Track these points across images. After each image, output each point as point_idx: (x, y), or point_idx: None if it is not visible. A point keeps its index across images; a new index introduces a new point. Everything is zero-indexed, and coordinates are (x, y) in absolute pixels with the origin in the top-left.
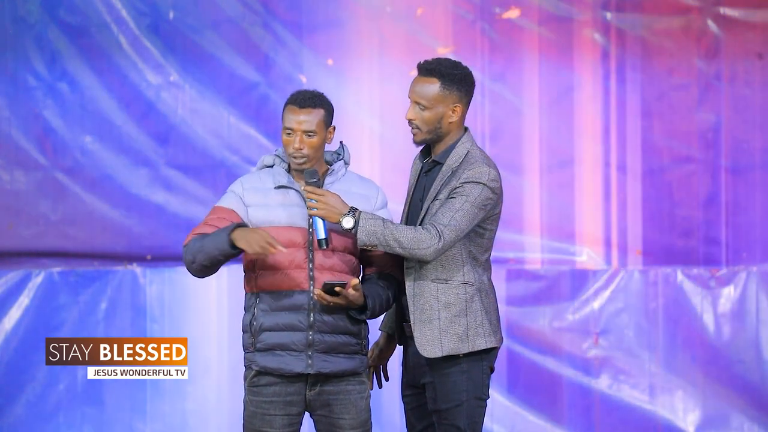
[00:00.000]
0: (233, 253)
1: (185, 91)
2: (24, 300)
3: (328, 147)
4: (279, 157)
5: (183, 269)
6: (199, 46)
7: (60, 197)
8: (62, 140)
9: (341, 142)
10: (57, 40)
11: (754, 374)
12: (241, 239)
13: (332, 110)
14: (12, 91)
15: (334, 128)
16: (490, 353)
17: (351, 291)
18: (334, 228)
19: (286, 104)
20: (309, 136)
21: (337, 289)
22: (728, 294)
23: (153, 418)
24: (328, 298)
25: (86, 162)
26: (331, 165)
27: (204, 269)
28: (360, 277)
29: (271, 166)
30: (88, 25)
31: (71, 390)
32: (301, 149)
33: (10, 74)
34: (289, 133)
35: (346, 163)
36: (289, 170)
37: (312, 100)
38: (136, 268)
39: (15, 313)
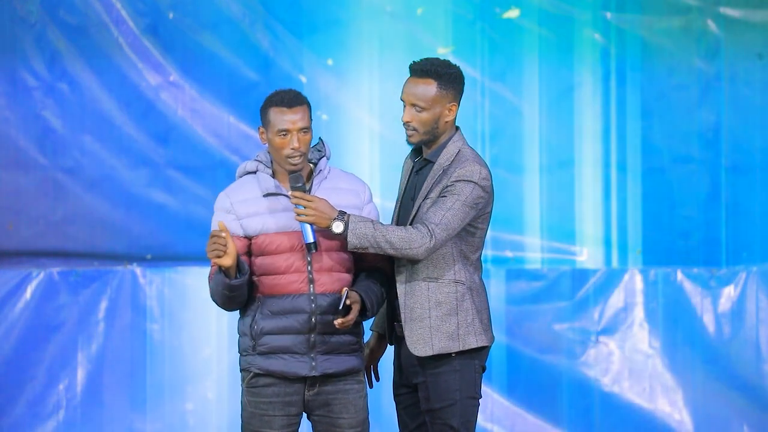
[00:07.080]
0: (233, 282)
1: (185, 91)
2: (24, 300)
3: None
4: (261, 162)
5: (183, 269)
6: (198, 46)
7: (60, 197)
8: (62, 140)
9: (320, 138)
10: (57, 41)
11: (753, 374)
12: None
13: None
14: (12, 91)
15: None
16: (481, 352)
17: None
18: (323, 232)
19: (268, 107)
20: (304, 133)
21: (347, 302)
22: (728, 294)
23: (153, 418)
24: (351, 317)
25: (86, 162)
26: (315, 164)
27: (230, 306)
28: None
29: (254, 172)
30: (87, 25)
31: (71, 390)
32: (299, 148)
33: (10, 74)
34: (285, 135)
35: (328, 159)
36: (273, 175)
37: (298, 97)
38: (136, 268)
39: (15, 313)
